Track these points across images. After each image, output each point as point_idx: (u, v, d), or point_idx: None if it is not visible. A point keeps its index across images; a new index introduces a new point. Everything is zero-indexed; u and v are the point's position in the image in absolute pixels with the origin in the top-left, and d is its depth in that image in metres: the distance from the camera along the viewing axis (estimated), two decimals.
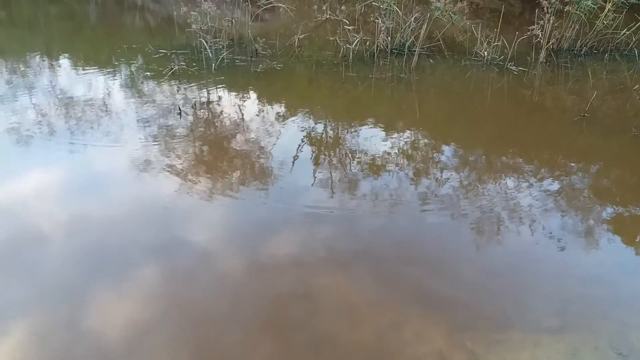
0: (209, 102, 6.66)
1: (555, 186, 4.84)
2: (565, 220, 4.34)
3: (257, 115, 6.34)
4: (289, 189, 4.69)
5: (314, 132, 5.88)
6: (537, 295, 3.47)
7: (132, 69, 7.85)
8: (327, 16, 9.21)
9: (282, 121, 6.19)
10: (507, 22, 9.84)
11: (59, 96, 6.66)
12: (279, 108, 6.66)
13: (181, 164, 5.00)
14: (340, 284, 3.52)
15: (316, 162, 5.17)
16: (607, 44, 8.96)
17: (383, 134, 5.92)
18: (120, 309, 3.27)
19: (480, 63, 8.27)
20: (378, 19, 8.29)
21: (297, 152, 5.35)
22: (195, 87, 7.08)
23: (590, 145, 5.81)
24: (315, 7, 9.32)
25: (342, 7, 8.99)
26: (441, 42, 8.82)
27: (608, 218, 4.42)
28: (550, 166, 5.24)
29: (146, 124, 5.87)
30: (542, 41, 8.23)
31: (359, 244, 3.95)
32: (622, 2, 8.57)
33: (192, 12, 7.95)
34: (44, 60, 8.35)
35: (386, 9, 8.39)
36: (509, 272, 3.74)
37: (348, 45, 8.14)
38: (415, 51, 8.22)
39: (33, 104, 6.35)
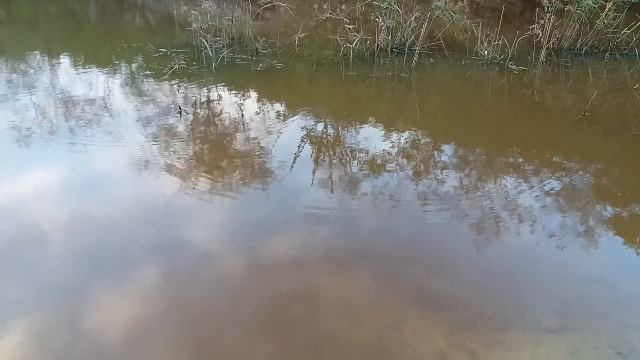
0: (209, 101, 6.66)
1: (556, 186, 4.83)
2: (565, 219, 4.34)
3: (258, 114, 6.33)
4: (289, 188, 4.69)
5: (314, 132, 5.88)
6: (537, 295, 3.47)
7: (132, 68, 7.85)
8: (328, 15, 9.20)
9: (283, 120, 6.19)
10: (508, 21, 9.84)
11: (59, 95, 6.66)
12: (280, 107, 6.66)
13: (181, 163, 5.00)
14: (340, 283, 3.52)
15: (316, 162, 5.17)
16: (607, 43, 8.95)
17: (383, 133, 5.92)
18: (120, 309, 3.27)
19: (480, 62, 8.27)
20: (378, 18, 8.29)
21: (297, 151, 5.35)
22: (195, 86, 7.08)
23: (590, 145, 5.80)
24: (316, 6, 9.32)
25: (343, 6, 8.99)
26: (441, 41, 8.82)
27: (608, 218, 4.41)
28: (550, 165, 5.24)
29: (146, 123, 5.87)
30: (542, 40, 8.23)
31: (359, 244, 3.95)
32: (622, 2, 8.57)
33: (192, 11, 7.95)
34: (44, 60, 8.35)
35: (387, 8, 8.38)
36: (509, 272, 3.74)
37: (348, 44, 8.14)
38: (415, 50, 8.21)
39: (33, 103, 6.34)
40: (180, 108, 6.22)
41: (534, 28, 8.00)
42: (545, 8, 8.00)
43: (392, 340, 3.07)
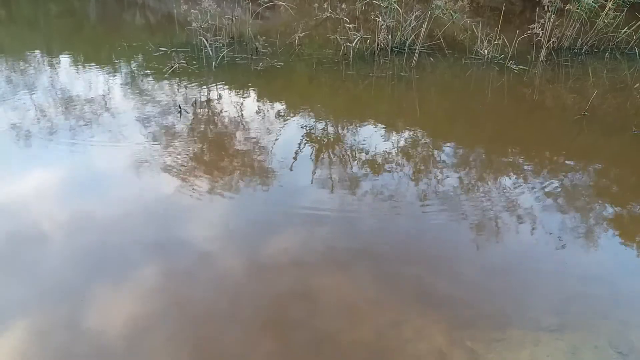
0: (209, 101, 6.66)
1: (555, 185, 4.83)
2: (565, 219, 4.34)
3: (257, 113, 6.33)
4: (289, 187, 4.69)
5: (314, 131, 5.88)
6: (537, 294, 3.47)
7: (132, 67, 7.85)
8: (328, 14, 9.20)
9: (283, 120, 6.19)
10: (508, 21, 9.83)
11: (59, 95, 6.66)
12: (279, 106, 6.66)
13: (181, 162, 5.00)
14: (340, 283, 3.52)
15: (316, 161, 5.17)
16: (607, 42, 8.95)
17: (383, 132, 5.92)
18: (120, 308, 3.27)
19: (480, 61, 8.27)
20: (378, 17, 8.28)
21: (297, 150, 5.35)
22: (195, 85, 7.08)
23: (590, 144, 5.80)
24: (316, 5, 9.31)
25: (343, 5, 8.99)
26: (442, 40, 8.82)
27: (608, 217, 4.41)
28: (550, 165, 5.24)
29: (146, 123, 5.87)
30: (542, 40, 8.23)
31: (359, 243, 3.95)
32: (622, 1, 8.57)
33: (192, 10, 7.95)
34: (44, 59, 8.35)
35: (387, 7, 8.38)
36: (508, 271, 3.74)
37: (348, 44, 8.14)
38: (415, 49, 8.21)
39: (33, 102, 6.35)
40: (180, 107, 6.22)
41: (534, 27, 8.00)
42: (546, 7, 8.00)
43: (392, 339, 3.07)
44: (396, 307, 3.34)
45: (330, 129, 5.97)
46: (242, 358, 2.95)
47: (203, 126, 5.93)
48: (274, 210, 4.34)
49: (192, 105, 6.41)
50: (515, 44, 8.22)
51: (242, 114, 6.29)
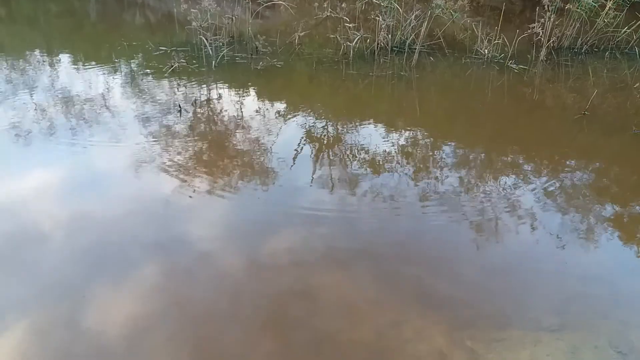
0: (209, 100, 6.65)
1: (556, 185, 4.83)
2: (565, 219, 4.34)
3: (257, 113, 6.33)
4: (289, 187, 4.69)
5: (314, 130, 5.88)
6: (537, 294, 3.47)
7: (132, 67, 7.85)
8: (328, 14, 9.19)
9: (283, 119, 6.18)
10: (508, 20, 9.82)
11: (59, 94, 6.66)
12: (279, 106, 6.66)
13: (181, 162, 5.00)
14: (340, 283, 3.52)
15: (316, 161, 5.17)
16: (607, 42, 8.95)
17: (383, 132, 5.92)
18: (120, 308, 3.27)
19: (480, 61, 8.26)
20: (378, 17, 8.28)
21: (297, 150, 5.35)
22: (195, 84, 7.08)
23: (590, 144, 5.80)
24: (316, 4, 9.31)
25: (343, 5, 8.98)
26: (442, 39, 8.82)
27: (608, 217, 4.41)
28: (550, 164, 5.24)
29: (146, 122, 5.87)
30: (542, 39, 8.22)
31: (359, 243, 3.95)
32: (622, 0, 8.56)
33: (192, 10, 7.95)
34: (44, 58, 8.35)
35: (387, 6, 8.37)
36: (508, 271, 3.74)
37: (348, 43, 8.13)
38: (415, 49, 8.21)
39: (33, 101, 6.34)
40: (180, 106, 6.22)
41: (534, 27, 8.00)
42: (546, 7, 8.00)
43: (392, 339, 3.07)
44: (396, 307, 3.33)
45: (330, 129, 5.97)
46: (242, 358, 2.95)
47: (203, 125, 5.93)
48: (274, 209, 4.34)
49: (192, 104, 6.40)
50: (515, 43, 8.22)
51: (242, 114, 6.28)
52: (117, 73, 7.56)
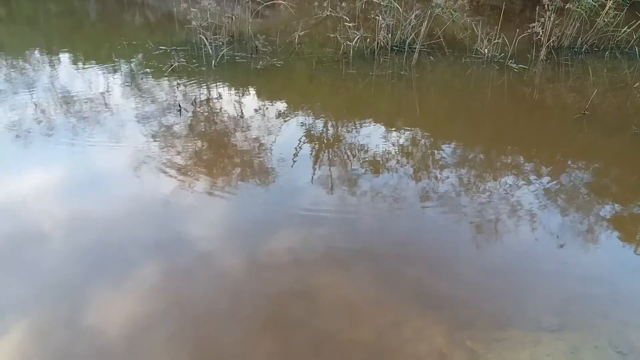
0: (208, 99, 6.65)
1: (555, 184, 4.83)
2: (565, 218, 4.34)
3: (257, 112, 6.33)
4: (289, 187, 4.69)
5: (314, 130, 5.87)
6: (537, 294, 3.47)
7: (132, 66, 7.84)
8: (328, 13, 9.19)
9: (282, 118, 6.18)
10: (508, 20, 9.82)
11: (59, 93, 6.65)
12: (279, 105, 6.66)
13: (181, 161, 5.00)
14: (340, 283, 3.51)
15: (316, 160, 5.17)
16: (607, 41, 8.95)
17: (383, 131, 5.92)
18: (120, 307, 3.26)
19: (480, 60, 8.26)
20: (378, 16, 8.28)
21: (297, 149, 5.35)
22: (195, 84, 7.07)
23: (590, 143, 5.80)
24: (316, 3, 9.30)
25: (343, 4, 8.97)
26: (442, 39, 8.82)
27: (608, 216, 4.41)
28: (550, 164, 5.24)
29: (146, 121, 5.87)
30: (542, 39, 8.22)
31: (359, 243, 3.95)
32: (622, 0, 8.56)
33: (192, 9, 7.94)
34: (43, 57, 8.34)
35: (386, 6, 8.37)
36: (508, 271, 3.74)
37: (348, 42, 8.13)
38: (415, 48, 8.21)
39: (33, 101, 6.34)
40: (179, 106, 6.22)
41: (534, 26, 8.00)
42: (546, 6, 8.00)
43: (392, 339, 3.07)
44: (396, 307, 3.33)
45: (330, 128, 5.97)
46: (242, 358, 2.95)
47: (203, 125, 5.93)
48: (274, 209, 4.34)
49: (192, 104, 6.40)
50: (515, 42, 8.21)
51: (241, 113, 6.28)
52: (117, 72, 7.55)
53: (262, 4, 9.53)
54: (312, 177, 4.82)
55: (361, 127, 6.01)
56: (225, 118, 6.15)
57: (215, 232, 4.02)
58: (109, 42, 8.90)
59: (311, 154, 5.30)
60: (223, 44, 8.12)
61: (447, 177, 4.91)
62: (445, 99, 7.13)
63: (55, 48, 8.97)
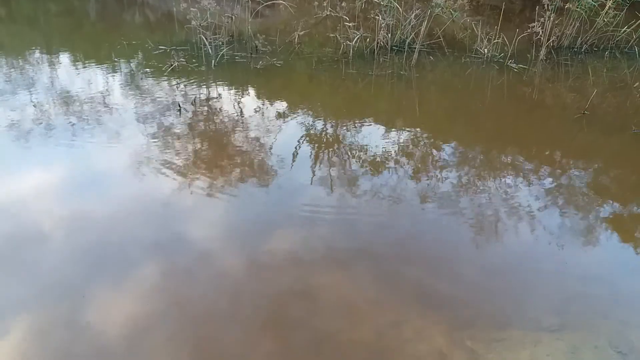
0: (208, 99, 6.65)
1: (555, 184, 4.83)
2: (565, 218, 4.34)
3: (257, 112, 6.33)
4: (289, 186, 4.69)
5: (313, 130, 5.87)
6: (537, 294, 3.47)
7: (132, 66, 7.84)
8: (328, 13, 9.18)
9: (282, 118, 6.18)
10: (508, 20, 9.83)
11: (59, 93, 6.65)
12: (279, 105, 6.65)
13: (181, 161, 5.00)
14: (340, 282, 3.51)
15: (316, 160, 5.17)
16: (607, 41, 8.95)
17: (383, 131, 5.92)
18: (120, 308, 3.26)
19: (480, 60, 8.26)
20: (378, 16, 8.28)
21: (296, 149, 5.35)
22: (194, 83, 7.07)
23: (590, 143, 5.80)
24: (316, 3, 9.30)
25: (343, 4, 8.97)
26: (441, 39, 8.81)
27: (608, 216, 4.42)
28: (550, 164, 5.24)
29: (145, 121, 5.87)
30: (542, 39, 8.22)
31: (359, 243, 3.95)
32: (622, 0, 8.56)
33: (191, 9, 7.94)
34: (43, 57, 8.34)
35: (386, 5, 8.37)
36: (508, 271, 3.74)
37: (348, 42, 8.13)
38: (415, 48, 8.21)
39: (32, 100, 6.34)
40: (179, 106, 6.22)
41: (534, 26, 8.00)
42: (545, 6, 8.00)
43: (392, 339, 3.07)
44: (396, 307, 3.33)
45: (330, 128, 5.97)
46: (242, 358, 2.95)
47: (202, 125, 5.93)
48: (274, 209, 4.34)
49: (192, 103, 6.40)
50: (515, 42, 8.21)
51: (241, 113, 6.28)
52: (117, 72, 7.55)
53: (262, 3, 9.53)
54: (312, 177, 4.83)
55: (361, 127, 6.01)
56: (225, 118, 6.14)
57: (215, 232, 4.02)
58: (108, 42, 8.90)
59: (311, 153, 5.30)
60: (223, 43, 8.12)
61: (447, 177, 4.91)
62: (445, 98, 7.13)
63: (55, 48, 8.97)
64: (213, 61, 7.72)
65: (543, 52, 8.28)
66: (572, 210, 4.46)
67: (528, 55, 8.38)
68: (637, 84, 7.29)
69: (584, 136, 5.93)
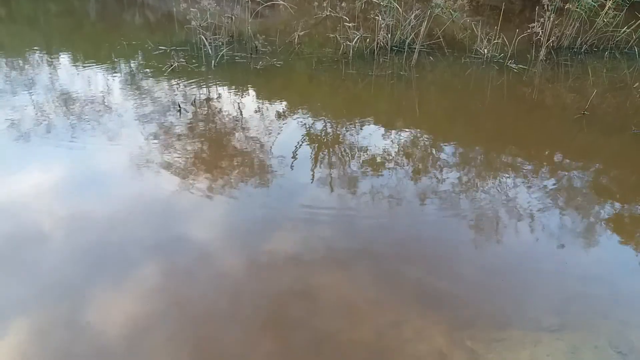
0: (208, 99, 6.65)
1: (555, 184, 4.83)
2: (565, 218, 4.34)
3: (257, 112, 6.33)
4: (289, 187, 4.69)
5: (313, 130, 5.88)
6: (537, 294, 3.47)
7: (132, 66, 7.84)
8: (327, 13, 9.19)
9: (282, 119, 6.18)
10: (508, 20, 9.83)
11: (59, 93, 6.65)
12: (279, 105, 6.65)
13: (181, 161, 5.00)
14: (340, 282, 3.52)
15: (316, 160, 5.17)
16: (607, 41, 8.95)
17: (383, 131, 5.92)
18: (120, 308, 3.26)
19: (480, 61, 8.26)
20: (378, 16, 8.28)
21: (296, 150, 5.35)
22: (194, 84, 7.07)
23: (590, 144, 5.80)
24: (316, 3, 9.30)
25: (342, 4, 8.98)
26: (441, 39, 8.82)
27: (608, 216, 4.42)
28: (550, 164, 5.24)
29: (145, 121, 5.86)
30: (542, 39, 8.23)
31: (359, 243, 3.95)
32: (622, 0, 8.57)
33: (191, 9, 7.94)
34: (43, 57, 8.34)
35: (386, 6, 8.37)
36: (508, 271, 3.74)
37: (348, 43, 8.13)
38: (415, 48, 8.21)
39: (32, 101, 6.34)
40: (179, 106, 6.22)
41: (534, 26, 8.00)
42: (545, 6, 8.00)
43: (392, 339, 3.07)
44: (396, 307, 3.34)
45: (330, 128, 5.97)
46: (242, 358, 2.95)
47: (202, 125, 5.93)
48: (274, 209, 4.34)
49: (192, 104, 6.40)
50: (514, 43, 8.22)
51: (241, 113, 6.28)
52: (117, 73, 7.55)
53: (262, 4, 9.53)
54: (312, 177, 4.83)
55: (361, 127, 6.01)
56: (225, 118, 6.14)
57: (215, 232, 4.02)
58: (108, 42, 8.90)
59: (311, 154, 5.30)
60: (223, 44, 8.12)
61: (447, 177, 4.92)
62: (445, 99, 7.13)
63: (55, 48, 8.97)
64: (213, 61, 7.72)
65: (543, 52, 8.28)
66: (572, 210, 4.46)
67: (528, 55, 8.38)
68: (637, 84, 7.29)
69: (584, 136, 5.93)
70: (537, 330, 3.16)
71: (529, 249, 3.97)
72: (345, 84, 7.33)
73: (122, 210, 4.23)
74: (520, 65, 8.01)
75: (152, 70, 7.55)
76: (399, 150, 5.47)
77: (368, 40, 8.48)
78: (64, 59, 8.31)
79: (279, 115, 6.27)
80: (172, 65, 7.45)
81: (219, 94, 6.88)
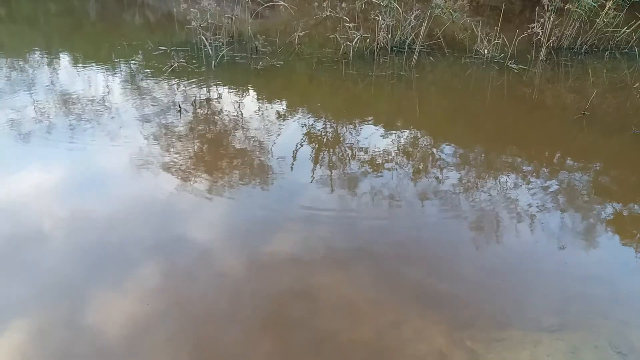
0: (208, 100, 6.65)
1: (555, 185, 4.83)
2: (565, 218, 4.34)
3: (257, 113, 6.33)
4: (289, 187, 4.69)
5: (313, 130, 5.88)
6: (537, 294, 3.47)
7: (132, 66, 7.84)
8: (328, 13, 9.20)
9: (282, 119, 6.18)
10: (508, 20, 9.83)
11: (59, 93, 6.65)
12: (279, 106, 6.66)
13: (181, 162, 5.00)
14: (340, 282, 3.51)
15: (316, 161, 5.17)
16: (607, 42, 8.96)
17: (383, 132, 5.92)
18: (120, 308, 3.26)
19: (480, 61, 8.26)
20: (378, 17, 8.28)
21: (297, 150, 5.35)
22: (194, 84, 7.07)
23: (590, 144, 5.80)
24: (316, 4, 9.31)
25: (343, 5, 8.98)
26: (441, 39, 8.82)
27: (608, 217, 4.42)
28: (550, 164, 5.24)
29: (145, 122, 5.87)
30: (542, 39, 8.23)
31: (359, 243, 3.95)
32: (622, 0, 8.57)
33: (192, 9, 7.95)
34: (43, 57, 8.34)
35: (386, 6, 8.37)
36: (508, 271, 3.74)
37: (348, 43, 8.13)
38: (415, 49, 8.21)
39: (32, 101, 6.34)
40: (179, 106, 6.22)
41: (534, 27, 8.00)
42: (545, 7, 8.01)
43: (392, 339, 3.07)
44: (396, 307, 3.33)
45: (330, 129, 5.97)
46: (242, 358, 2.95)
47: (203, 125, 5.93)
48: (274, 209, 4.34)
49: (192, 104, 6.40)
50: (515, 43, 8.22)
51: (241, 114, 6.28)
52: (117, 73, 7.55)
53: (262, 4, 9.54)
54: (312, 177, 4.83)
55: (361, 127, 6.01)
56: (225, 118, 6.15)
57: (215, 232, 4.02)
58: (108, 42, 8.90)
59: (311, 154, 5.30)
60: (223, 44, 8.13)
61: (447, 177, 4.92)
62: (445, 99, 7.13)
63: (55, 48, 8.97)
64: (213, 62, 7.72)
65: (543, 52, 8.28)
66: (572, 210, 4.46)
67: (528, 55, 8.38)
68: (637, 84, 7.29)
69: (584, 137, 5.93)
70: (537, 330, 3.16)
71: (529, 249, 3.97)
72: (346, 85, 7.33)
73: (122, 211, 4.23)
74: (521, 66, 8.01)
75: (152, 70, 7.55)
76: (399, 151, 5.47)
77: (368, 40, 8.48)
78: (64, 59, 8.32)
79: (279, 116, 6.27)
80: (172, 66, 7.45)
81: (219, 94, 6.88)
